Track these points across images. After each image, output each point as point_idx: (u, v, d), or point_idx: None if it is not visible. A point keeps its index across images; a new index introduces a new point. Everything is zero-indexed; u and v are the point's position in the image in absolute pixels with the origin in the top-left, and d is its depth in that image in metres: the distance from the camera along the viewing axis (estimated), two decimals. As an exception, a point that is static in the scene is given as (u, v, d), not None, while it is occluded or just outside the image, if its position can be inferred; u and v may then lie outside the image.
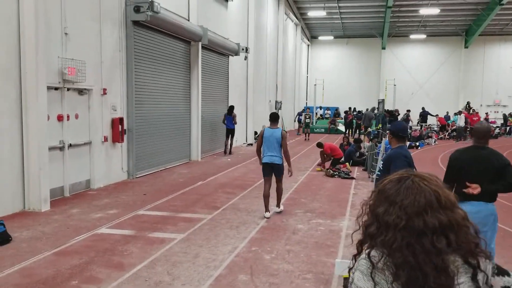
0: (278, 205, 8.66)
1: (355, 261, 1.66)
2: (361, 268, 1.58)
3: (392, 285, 1.52)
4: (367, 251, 1.60)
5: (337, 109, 38.80)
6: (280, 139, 8.17)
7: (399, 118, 26.83)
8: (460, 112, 28.28)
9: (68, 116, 9.50)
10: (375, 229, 1.60)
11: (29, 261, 5.74)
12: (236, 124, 18.07)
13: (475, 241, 1.57)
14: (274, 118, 8.56)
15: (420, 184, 1.59)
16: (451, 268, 1.52)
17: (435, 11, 32.40)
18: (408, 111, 29.68)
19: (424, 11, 32.82)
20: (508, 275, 1.63)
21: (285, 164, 8.39)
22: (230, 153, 18.04)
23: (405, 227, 1.53)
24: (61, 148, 9.38)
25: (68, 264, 5.67)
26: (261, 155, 8.35)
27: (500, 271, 1.63)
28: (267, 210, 8.29)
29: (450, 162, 4.93)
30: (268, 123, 8.84)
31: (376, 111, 28.84)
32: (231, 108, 18.00)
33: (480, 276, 1.54)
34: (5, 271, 5.39)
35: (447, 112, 32.66)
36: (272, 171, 8.33)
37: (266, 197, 8.28)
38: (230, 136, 17.99)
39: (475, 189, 4.52)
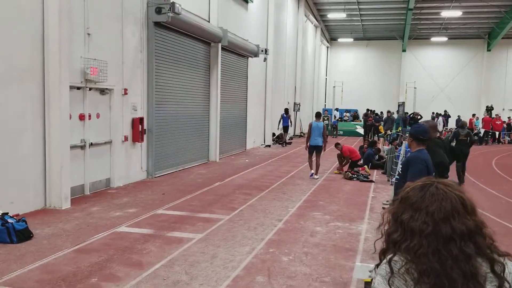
0: (316, 173, 12.77)
1: (377, 269, 1.67)
2: (381, 272, 1.60)
3: None
4: (388, 257, 1.60)
5: (355, 111, 38.48)
6: (322, 129, 12.61)
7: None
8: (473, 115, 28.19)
9: (89, 116, 9.63)
10: (398, 235, 1.61)
11: (50, 258, 5.83)
12: (291, 122, 23.90)
13: (495, 244, 1.58)
14: (318, 115, 13.25)
15: (445, 190, 1.60)
16: (481, 274, 1.50)
17: (457, 13, 31.85)
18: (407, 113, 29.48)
19: (446, 14, 32.29)
20: None
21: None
22: (285, 145, 22.62)
23: (431, 233, 1.53)
24: (82, 147, 9.51)
25: (88, 261, 5.74)
26: (309, 140, 12.68)
27: None
28: (311, 168, 12.88)
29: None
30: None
31: (393, 114, 28.41)
32: (287, 110, 23.25)
33: (507, 286, 1.53)
34: (27, 267, 5.49)
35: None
36: (315, 150, 12.69)
37: (310, 164, 12.96)
38: (286, 132, 23.10)
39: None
